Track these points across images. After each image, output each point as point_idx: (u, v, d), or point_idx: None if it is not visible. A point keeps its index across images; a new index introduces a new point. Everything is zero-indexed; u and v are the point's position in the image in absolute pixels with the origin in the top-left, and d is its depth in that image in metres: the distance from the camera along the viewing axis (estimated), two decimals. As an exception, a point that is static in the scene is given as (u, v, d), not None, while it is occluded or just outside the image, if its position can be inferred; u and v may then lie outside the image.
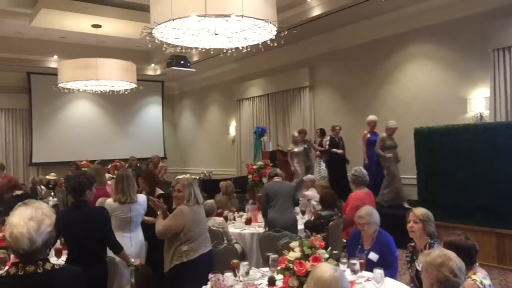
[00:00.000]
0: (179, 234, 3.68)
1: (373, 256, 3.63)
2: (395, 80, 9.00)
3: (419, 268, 3.03)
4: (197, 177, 12.53)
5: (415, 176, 6.97)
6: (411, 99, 8.63)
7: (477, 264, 2.66)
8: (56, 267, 1.99)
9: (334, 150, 8.72)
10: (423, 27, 8.32)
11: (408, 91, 8.73)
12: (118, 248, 3.65)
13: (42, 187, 9.50)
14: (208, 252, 3.81)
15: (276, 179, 5.63)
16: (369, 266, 3.36)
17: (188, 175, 12.47)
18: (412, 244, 3.43)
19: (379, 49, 9.17)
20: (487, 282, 2.57)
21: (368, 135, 8.20)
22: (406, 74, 8.80)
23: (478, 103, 7.61)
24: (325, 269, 1.87)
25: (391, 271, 3.23)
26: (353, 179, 5.51)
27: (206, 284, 3.10)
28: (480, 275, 2.59)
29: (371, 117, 8.31)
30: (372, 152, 8.00)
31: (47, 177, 10.93)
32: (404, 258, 3.56)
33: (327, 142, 8.91)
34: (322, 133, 9.62)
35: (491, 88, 7.25)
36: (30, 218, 1.91)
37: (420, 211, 3.36)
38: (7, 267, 3.40)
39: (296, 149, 9.15)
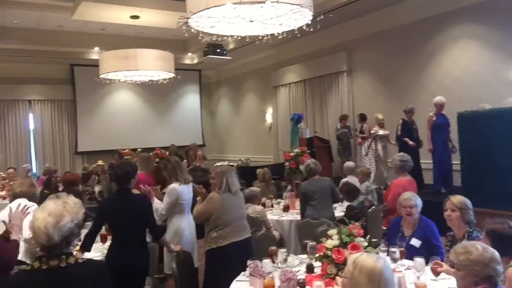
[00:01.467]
0: (209, 220, 3.78)
1: (416, 242, 3.56)
2: (436, 63, 8.68)
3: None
4: (235, 164, 12.67)
5: (458, 162, 6.74)
6: (454, 82, 8.30)
7: None
8: (79, 261, 2.03)
9: (406, 139, 7.85)
10: (466, 6, 7.95)
11: (450, 74, 8.41)
12: (159, 235, 3.75)
13: (94, 175, 9.86)
14: (242, 241, 3.82)
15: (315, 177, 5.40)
16: (411, 252, 3.30)
17: (226, 163, 12.65)
18: (451, 233, 3.34)
19: (420, 31, 8.85)
20: None
21: (434, 118, 7.46)
22: (449, 56, 8.46)
23: (527, 84, 7.23)
24: (368, 258, 1.86)
25: (440, 257, 3.17)
26: (397, 165, 5.33)
27: (244, 270, 3.14)
28: None
29: (438, 98, 7.43)
30: (438, 136, 7.41)
31: (94, 165, 11.32)
32: (444, 248, 3.48)
33: (399, 127, 8.03)
34: (362, 118, 9.39)
35: (541, 68, 6.87)
36: (49, 214, 1.95)
37: (457, 198, 3.27)
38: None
39: (380, 132, 8.63)
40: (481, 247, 2.12)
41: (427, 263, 2.95)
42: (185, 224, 4.31)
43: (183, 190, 4.28)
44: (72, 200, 2.08)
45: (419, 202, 3.72)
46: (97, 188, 8.20)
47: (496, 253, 2.11)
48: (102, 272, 2.11)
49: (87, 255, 3.33)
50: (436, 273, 2.87)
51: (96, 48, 11.96)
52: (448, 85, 8.39)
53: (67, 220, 1.97)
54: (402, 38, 9.24)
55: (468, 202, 3.23)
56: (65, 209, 1.99)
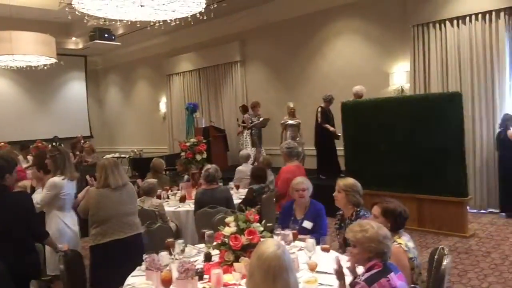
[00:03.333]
0: (88, 216, 3.64)
1: (308, 224, 3.81)
2: (322, 56, 9.22)
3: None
4: (127, 156, 12.18)
5: (343, 148, 7.27)
6: (338, 73, 8.90)
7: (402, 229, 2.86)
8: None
9: (326, 126, 8.00)
10: (351, 3, 8.55)
11: (335, 66, 9.00)
12: (43, 236, 3.47)
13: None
14: (126, 238, 3.63)
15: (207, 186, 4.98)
16: (303, 234, 3.53)
17: (116, 155, 12.09)
18: (340, 212, 3.60)
19: (309, 24, 9.31)
20: (411, 244, 2.77)
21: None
22: (333, 49, 9.04)
23: (400, 77, 8.04)
24: (268, 245, 1.89)
25: (321, 238, 3.39)
26: (285, 152, 5.59)
27: (139, 265, 3.04)
28: (404, 238, 2.79)
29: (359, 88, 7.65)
30: None
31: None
32: (333, 226, 3.74)
33: (319, 115, 8.09)
34: (245, 109, 9.78)
35: (411, 62, 7.68)
36: None
37: (343, 181, 3.52)
38: None
39: (289, 121, 8.55)
40: (376, 226, 2.30)
41: (318, 243, 3.13)
42: (67, 221, 4.01)
43: (65, 184, 3.97)
44: None
45: (310, 185, 3.95)
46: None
47: (388, 231, 2.32)
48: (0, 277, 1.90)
49: None
50: (327, 252, 3.08)
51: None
52: (333, 76, 8.98)
53: None
54: (292, 31, 9.63)
55: (356, 185, 3.48)
56: None
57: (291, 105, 8.62)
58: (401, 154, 6.37)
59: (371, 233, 2.23)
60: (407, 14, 7.65)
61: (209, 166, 5.14)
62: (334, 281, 2.56)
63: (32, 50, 8.23)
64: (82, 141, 10.95)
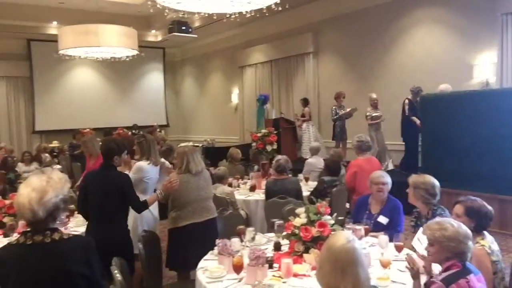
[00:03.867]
0: (169, 201, 3.75)
1: (383, 219, 3.68)
2: (400, 46, 8.85)
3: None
4: (200, 145, 12.58)
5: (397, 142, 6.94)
6: (417, 65, 8.50)
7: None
8: (64, 237, 1.98)
9: (413, 118, 7.49)
10: (431, -10, 8.11)
11: (413, 57, 8.60)
12: (140, 209, 3.66)
13: (46, 155, 9.56)
14: (204, 222, 3.77)
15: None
16: (377, 229, 3.45)
17: (190, 143, 12.53)
18: (418, 209, 3.46)
19: (385, 13, 8.97)
20: (495, 247, 2.60)
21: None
22: (412, 39, 8.64)
23: (485, 69, 7.49)
24: (338, 238, 1.87)
25: (395, 234, 3.28)
26: (356, 145, 5.42)
27: (212, 249, 3.14)
28: (488, 240, 2.62)
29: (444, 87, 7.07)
30: None
31: (50, 145, 10.97)
32: (409, 224, 3.60)
33: (406, 107, 7.65)
34: (306, 102, 9.90)
35: (499, 53, 7.13)
36: (33, 189, 1.90)
37: (415, 177, 3.37)
38: (15, 234, 3.47)
39: (374, 114, 8.22)
40: (456, 224, 2.19)
41: (391, 240, 3.04)
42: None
43: (150, 169, 4.20)
44: (56, 175, 2.02)
45: (389, 180, 3.82)
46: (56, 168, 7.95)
47: (469, 231, 2.19)
48: (88, 248, 2.06)
49: None
50: (399, 250, 2.97)
51: (55, 23, 11.42)
52: (411, 67, 8.59)
53: (51, 195, 1.91)
54: (367, 21, 9.34)
55: (424, 182, 3.28)
56: (48, 184, 1.93)
57: (374, 95, 8.30)
58: (483, 150, 5.97)
59: (450, 232, 2.12)
60: (496, 2, 7.10)
61: (279, 157, 5.16)
62: (407, 279, 2.48)
63: (117, 42, 8.75)
64: (158, 130, 11.49)
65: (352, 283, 1.76)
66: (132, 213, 4.03)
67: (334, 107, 8.98)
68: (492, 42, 7.28)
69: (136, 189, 4.18)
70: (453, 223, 2.18)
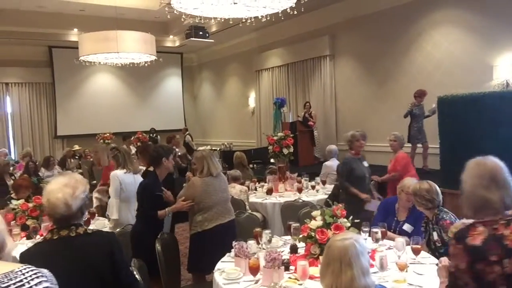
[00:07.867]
0: (193, 205, 3.81)
1: (408, 227, 3.66)
2: (418, 48, 8.77)
3: (434, 238, 3.17)
4: (218, 149, 12.66)
5: (438, 146, 6.86)
6: (435, 67, 8.41)
7: None
8: (88, 231, 2.10)
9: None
10: (449, -9, 8.02)
11: (432, 59, 8.50)
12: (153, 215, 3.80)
13: (72, 160, 9.78)
14: (227, 223, 3.87)
15: None
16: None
17: (208, 147, 12.63)
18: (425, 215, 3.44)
19: (402, 15, 8.90)
20: None
21: None
22: (430, 41, 8.55)
23: (505, 70, 7.37)
24: (338, 238, 1.91)
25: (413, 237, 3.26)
26: (401, 141, 5.83)
27: (229, 251, 3.17)
28: None
29: None
30: None
31: (73, 149, 11.20)
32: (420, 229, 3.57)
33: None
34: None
35: (519, 54, 7.00)
36: (65, 185, 2.02)
37: (414, 184, 3.38)
38: (38, 236, 3.57)
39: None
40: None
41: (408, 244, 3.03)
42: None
43: (125, 177, 4.34)
44: (77, 175, 2.19)
45: None
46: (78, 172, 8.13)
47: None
48: (112, 242, 2.16)
49: None
50: (417, 253, 2.95)
51: (75, 30, 11.68)
52: (429, 70, 8.49)
53: (81, 190, 2.05)
54: (384, 23, 9.28)
55: (420, 189, 3.26)
56: (77, 181, 2.07)
57: None
58: (503, 152, 5.84)
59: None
60: (516, 1, 6.99)
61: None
62: (424, 282, 2.47)
63: (135, 48, 8.89)
64: (178, 136, 11.49)
65: (343, 281, 1.78)
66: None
67: (411, 106, 7.81)
68: (512, 42, 7.16)
69: (119, 197, 4.30)
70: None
